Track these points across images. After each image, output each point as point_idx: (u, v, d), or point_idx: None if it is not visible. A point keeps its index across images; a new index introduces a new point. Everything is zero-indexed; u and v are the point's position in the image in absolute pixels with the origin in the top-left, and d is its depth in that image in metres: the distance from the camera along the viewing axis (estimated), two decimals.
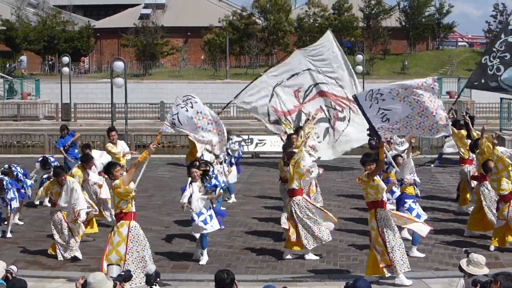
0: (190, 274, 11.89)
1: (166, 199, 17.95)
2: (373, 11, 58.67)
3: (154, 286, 7.78)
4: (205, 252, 12.50)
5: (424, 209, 16.18)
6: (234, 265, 12.35)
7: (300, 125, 19.44)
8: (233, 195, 17.80)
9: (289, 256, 12.73)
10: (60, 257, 12.63)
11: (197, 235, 12.44)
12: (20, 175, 15.11)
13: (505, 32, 20.63)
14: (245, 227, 15.12)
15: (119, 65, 26.22)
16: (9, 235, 14.27)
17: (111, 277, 7.44)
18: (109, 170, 10.92)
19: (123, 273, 7.65)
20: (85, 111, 39.92)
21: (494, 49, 20.29)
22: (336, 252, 13.14)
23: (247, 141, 26.12)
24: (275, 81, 21.75)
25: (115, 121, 27.85)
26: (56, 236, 12.70)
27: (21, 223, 15.23)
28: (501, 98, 28.57)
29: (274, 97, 21.53)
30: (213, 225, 12.43)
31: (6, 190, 14.20)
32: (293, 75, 21.47)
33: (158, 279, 7.80)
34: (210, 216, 12.42)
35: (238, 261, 12.65)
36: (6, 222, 14.39)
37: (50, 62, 60.01)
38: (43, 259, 12.72)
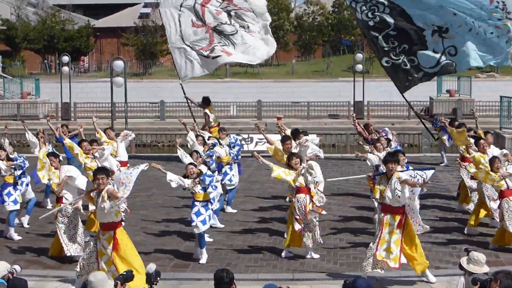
0: (191, 273, 11.91)
1: (166, 198, 17.95)
2: None
3: (154, 285, 7.79)
4: (204, 251, 12.52)
5: (425, 207, 16.27)
6: (234, 264, 12.37)
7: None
8: (229, 207, 16.70)
9: (283, 254, 12.77)
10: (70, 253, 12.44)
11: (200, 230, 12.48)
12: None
13: (367, 27, 19.36)
14: (245, 226, 15.13)
15: (119, 64, 26.24)
16: (17, 237, 14.31)
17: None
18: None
19: (124, 273, 7.67)
20: (85, 110, 39.95)
21: (387, 49, 19.30)
22: (336, 251, 13.16)
23: (247, 140, 26.15)
24: (178, 39, 21.34)
25: (115, 120, 27.86)
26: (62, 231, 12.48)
27: (26, 226, 15.17)
28: (501, 97, 28.58)
29: (187, 49, 21.06)
30: (206, 225, 12.52)
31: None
32: (179, 17, 21.00)
33: (158, 278, 7.82)
34: (209, 216, 12.48)
35: (238, 260, 12.67)
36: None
37: (45, 61, 60.05)
38: (43, 258, 12.74)
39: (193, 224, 12.36)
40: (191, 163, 12.82)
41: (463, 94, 40.96)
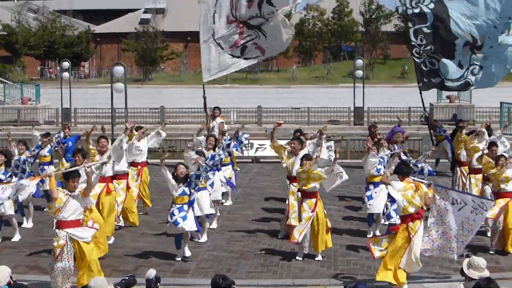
0: (191, 279, 11.90)
1: (166, 204, 17.89)
2: (373, 16, 58.74)
3: None
4: (179, 251, 12.88)
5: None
6: (235, 269, 12.36)
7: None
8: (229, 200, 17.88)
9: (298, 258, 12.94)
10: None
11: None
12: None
13: (412, 21, 18.60)
14: (246, 232, 15.12)
15: (119, 70, 26.23)
16: (16, 238, 14.40)
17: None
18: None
19: (126, 278, 7.64)
20: (85, 116, 39.98)
21: (413, 43, 18.53)
22: (336, 256, 13.15)
23: (247, 146, 26.12)
24: (209, 36, 19.91)
25: (115, 126, 27.86)
26: None
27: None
28: (501, 102, 28.64)
29: (220, 44, 19.79)
30: (186, 225, 12.60)
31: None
32: (214, 13, 19.76)
33: (158, 284, 7.80)
34: (183, 217, 12.58)
35: (238, 265, 12.65)
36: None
37: (43, 67, 60.13)
38: (43, 264, 12.70)
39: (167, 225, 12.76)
40: (181, 163, 12.91)
41: (463, 100, 40.99)
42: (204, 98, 21.00)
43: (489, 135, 17.40)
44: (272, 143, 14.89)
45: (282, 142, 15.54)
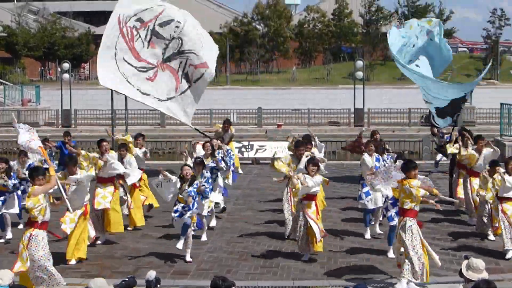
0: (191, 280, 11.90)
1: (166, 205, 17.89)
2: (373, 17, 58.78)
3: None
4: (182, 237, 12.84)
5: (425, 214, 16.28)
6: (235, 271, 12.37)
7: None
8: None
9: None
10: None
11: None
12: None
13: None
14: (245, 233, 15.12)
15: None
16: (9, 235, 14.57)
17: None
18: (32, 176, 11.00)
19: (126, 279, 7.65)
20: (86, 117, 39.99)
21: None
22: (336, 258, 13.15)
23: (247, 147, 26.16)
24: (151, 97, 17.11)
25: (115, 127, 27.87)
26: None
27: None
28: (501, 104, 28.64)
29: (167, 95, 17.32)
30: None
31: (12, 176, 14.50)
32: (127, 81, 16.80)
33: (158, 285, 7.81)
34: (183, 206, 12.81)
35: (238, 267, 12.66)
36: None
37: (43, 68, 60.15)
38: None
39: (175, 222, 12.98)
40: (186, 165, 13.01)
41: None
42: (203, 133, 19.18)
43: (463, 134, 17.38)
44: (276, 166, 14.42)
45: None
